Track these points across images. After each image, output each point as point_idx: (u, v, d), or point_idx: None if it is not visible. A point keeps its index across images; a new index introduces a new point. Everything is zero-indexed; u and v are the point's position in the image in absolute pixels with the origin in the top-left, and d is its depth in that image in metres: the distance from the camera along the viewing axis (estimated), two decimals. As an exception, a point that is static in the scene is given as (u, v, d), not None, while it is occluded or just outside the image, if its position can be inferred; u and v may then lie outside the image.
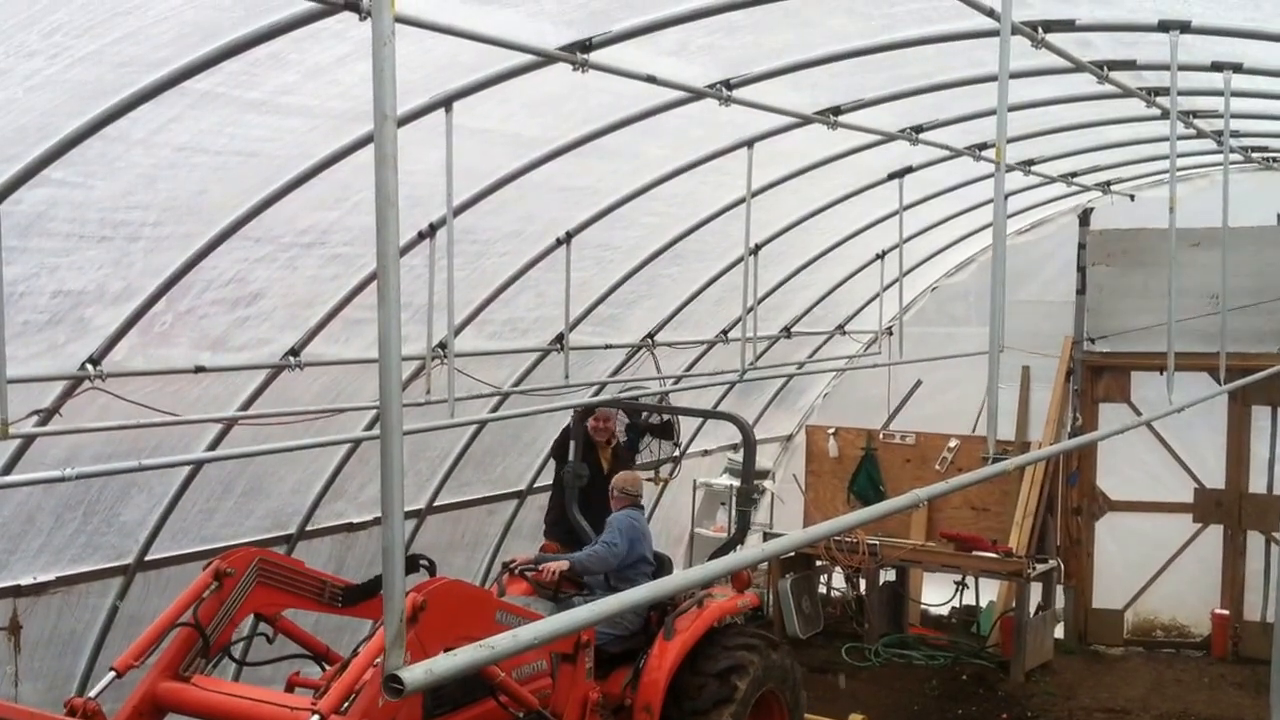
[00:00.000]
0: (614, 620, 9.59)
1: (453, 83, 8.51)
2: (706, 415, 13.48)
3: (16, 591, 9.86)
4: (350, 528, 12.58)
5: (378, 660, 7.09)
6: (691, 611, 9.91)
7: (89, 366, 8.94)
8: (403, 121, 8.21)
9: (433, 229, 10.02)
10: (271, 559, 8.24)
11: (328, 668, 8.23)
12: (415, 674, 3.31)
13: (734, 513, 11.14)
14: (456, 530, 14.13)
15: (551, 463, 12.98)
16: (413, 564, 8.82)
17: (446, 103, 8.49)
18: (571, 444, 11.71)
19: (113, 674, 7.37)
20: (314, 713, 6.83)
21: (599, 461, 12.13)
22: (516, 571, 10.17)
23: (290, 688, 8.28)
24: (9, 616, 9.86)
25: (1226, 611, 16.08)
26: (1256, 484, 16.09)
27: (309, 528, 12.11)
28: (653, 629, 9.84)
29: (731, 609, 10.30)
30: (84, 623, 10.50)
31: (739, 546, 10.42)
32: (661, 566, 10.35)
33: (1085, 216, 16.67)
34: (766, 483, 18.83)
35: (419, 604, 7.12)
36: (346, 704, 6.97)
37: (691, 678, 9.60)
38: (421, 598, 7.13)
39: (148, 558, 10.72)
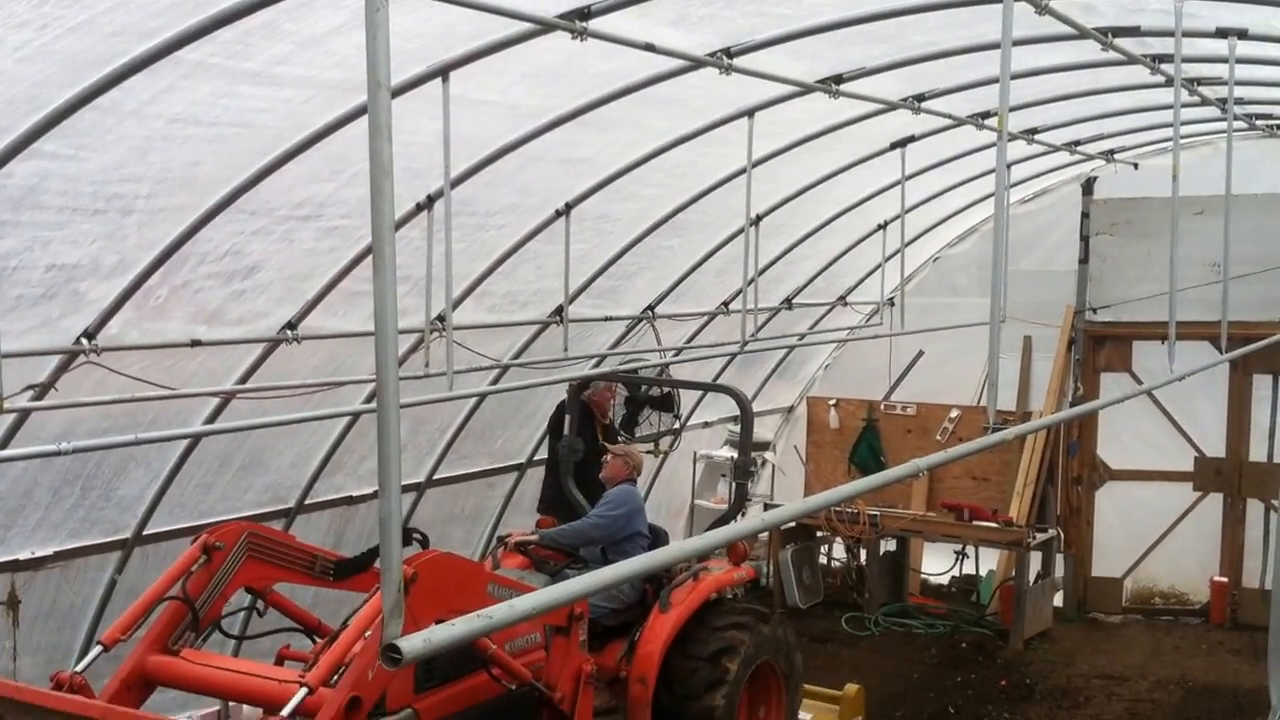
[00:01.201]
0: (609, 593, 9.59)
1: (450, 52, 8.44)
2: (704, 388, 13.44)
3: (14, 566, 9.83)
4: (349, 501, 12.56)
5: (367, 633, 7.06)
6: (687, 584, 9.86)
7: (84, 340, 8.88)
8: (399, 91, 8.16)
9: (430, 201, 9.96)
10: (261, 533, 8.21)
11: (319, 641, 8.19)
12: (413, 643, 3.29)
13: (732, 485, 11.08)
14: (456, 503, 14.10)
15: (549, 437, 12.95)
16: (406, 537, 8.77)
17: (443, 72, 8.43)
18: (567, 418, 11.68)
19: (100, 648, 7.37)
20: (303, 685, 6.79)
21: (594, 436, 12.10)
22: (511, 545, 10.14)
23: (280, 661, 8.25)
24: (7, 591, 9.83)
25: (1225, 579, 16.13)
26: (1257, 452, 16.11)
27: (308, 501, 12.07)
28: (648, 602, 9.79)
29: (728, 582, 10.24)
30: (82, 597, 10.47)
31: (737, 519, 10.38)
32: (657, 540, 10.30)
33: (1088, 185, 16.62)
34: (767, 454, 18.82)
35: (410, 576, 7.06)
36: (335, 676, 6.94)
37: (682, 661, 9.53)
38: (412, 570, 7.07)
39: (146, 532, 10.69)
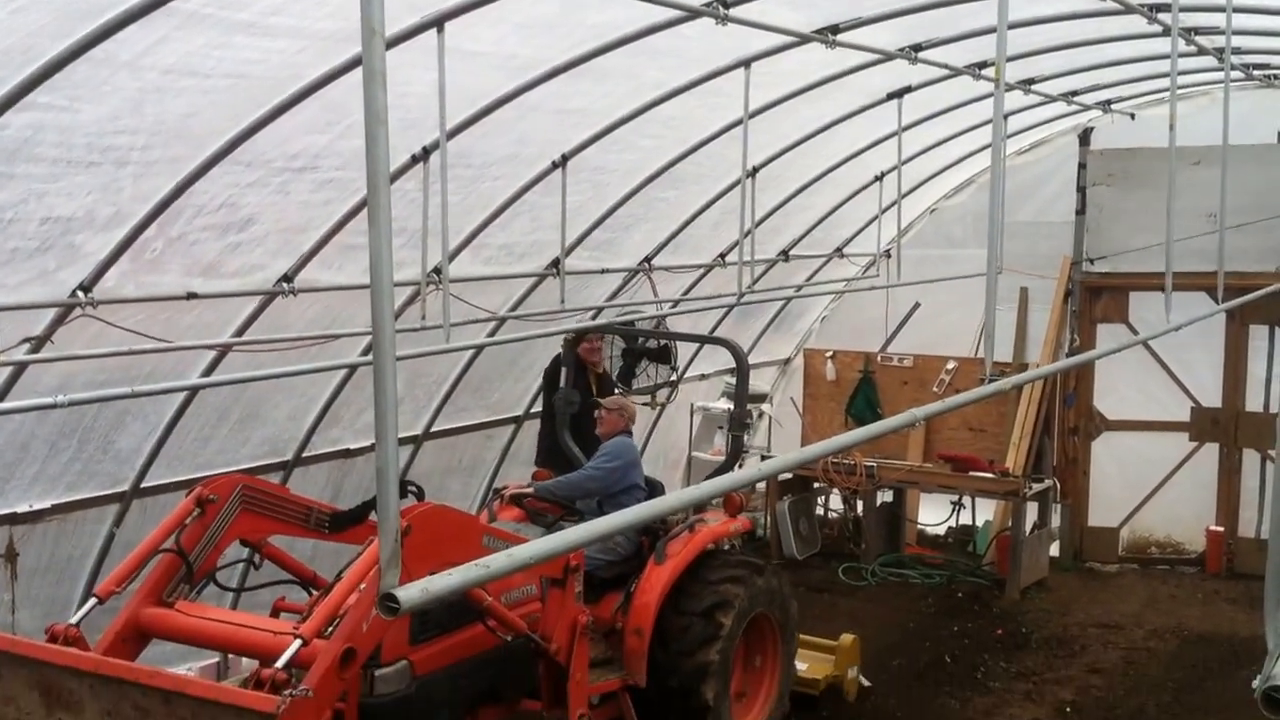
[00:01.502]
0: (606, 545, 9.62)
1: (445, 2, 8.41)
2: (700, 340, 13.44)
3: (12, 519, 9.85)
4: (347, 454, 12.57)
5: (362, 585, 7.08)
6: (683, 536, 9.86)
7: (80, 294, 8.88)
8: (394, 42, 8.13)
9: (426, 152, 9.93)
10: (255, 485, 8.21)
11: (315, 593, 8.21)
12: (411, 593, 3.29)
13: (729, 437, 11.08)
14: (454, 455, 14.13)
15: (545, 390, 12.95)
16: (401, 490, 8.77)
17: (438, 22, 8.39)
18: (563, 370, 11.68)
19: (94, 600, 7.37)
20: (297, 637, 6.80)
21: (589, 388, 12.12)
22: (507, 498, 10.15)
23: (276, 613, 8.26)
24: (5, 544, 9.85)
25: (1221, 528, 16.17)
26: (1253, 402, 16.11)
27: (305, 454, 12.09)
28: (644, 554, 9.81)
29: (723, 533, 10.26)
30: (80, 550, 10.50)
31: (733, 470, 10.39)
32: (653, 492, 10.30)
33: (1085, 136, 16.57)
34: (764, 406, 18.86)
35: (404, 528, 7.05)
36: (330, 628, 6.95)
37: (677, 617, 9.54)
38: (406, 522, 7.06)
39: (143, 485, 10.71)
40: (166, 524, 7.72)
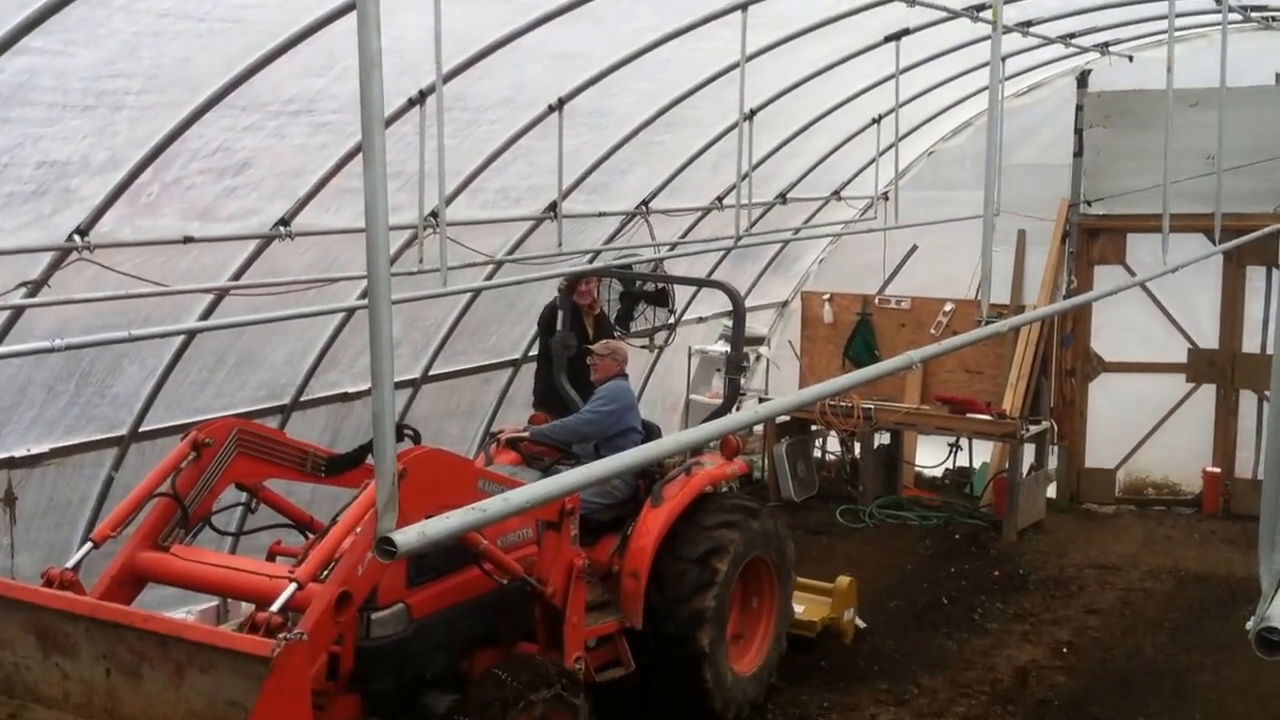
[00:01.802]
0: (602, 489, 9.63)
1: (439, -56, 8.36)
2: (697, 283, 13.42)
3: (10, 463, 9.86)
4: (345, 398, 12.58)
5: (358, 529, 7.10)
6: (679, 479, 9.88)
7: (76, 238, 8.86)
8: (389, -15, 8.07)
9: (423, 96, 9.90)
10: (251, 429, 8.23)
11: (311, 537, 8.24)
12: (408, 536, 3.28)
13: (725, 380, 11.10)
14: (452, 399, 14.15)
15: (540, 335, 12.96)
16: (397, 434, 8.78)
17: (433, -35, 8.34)
18: (559, 314, 11.68)
19: (90, 544, 7.42)
20: (292, 581, 6.82)
21: (584, 330, 12.13)
22: (504, 442, 10.17)
23: (271, 557, 8.28)
24: (4, 488, 9.86)
25: (1218, 469, 16.24)
26: (1250, 344, 16.14)
27: (303, 398, 12.11)
28: (641, 497, 9.83)
29: (720, 476, 10.27)
30: (79, 494, 10.53)
31: (730, 413, 10.41)
32: (650, 435, 10.32)
33: (1083, 78, 16.51)
34: (762, 349, 18.88)
35: (399, 472, 7.05)
36: (325, 572, 6.98)
37: (672, 564, 9.57)
38: (401, 466, 7.05)
39: (142, 429, 10.73)
40: (162, 468, 7.73)
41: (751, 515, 10.09)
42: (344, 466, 8.60)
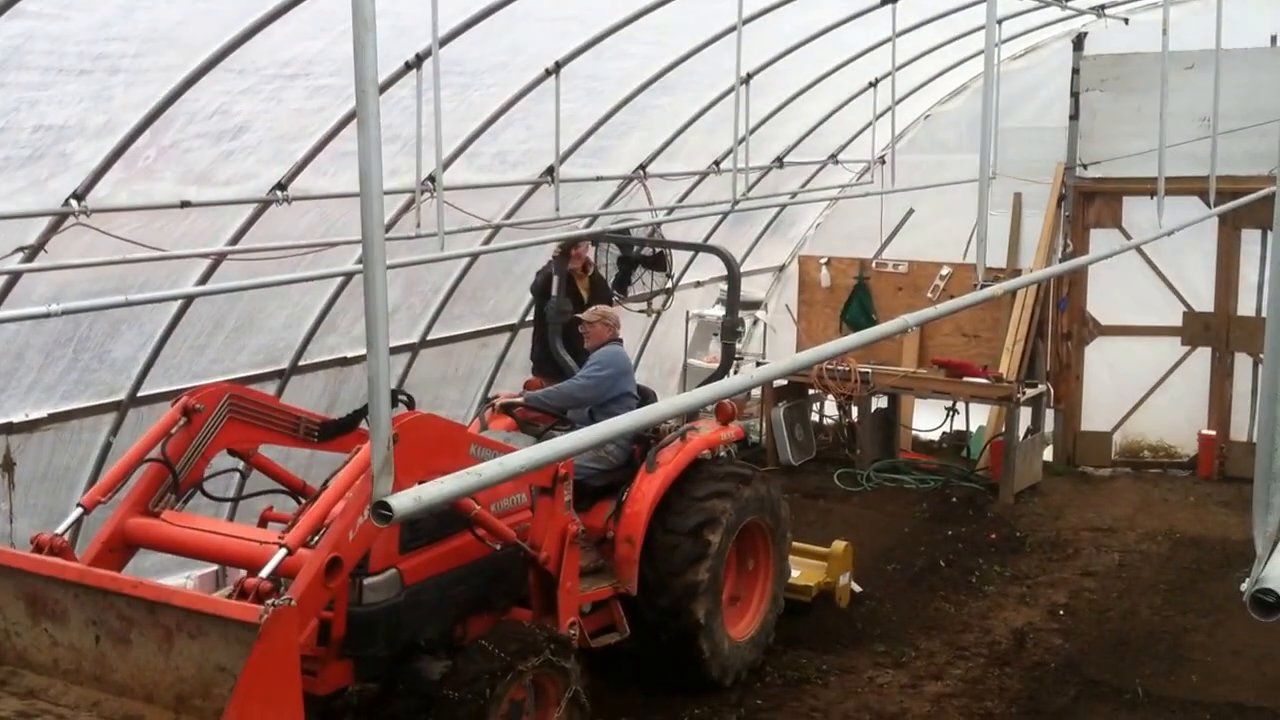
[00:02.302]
0: (597, 454, 9.63)
1: (435, -92, 8.34)
2: (691, 248, 13.36)
3: (9, 429, 9.88)
4: (343, 362, 12.59)
5: (349, 493, 7.10)
6: (674, 444, 9.87)
7: (73, 202, 8.85)
8: (384, -52, 8.06)
9: (419, 59, 9.88)
10: (243, 394, 8.21)
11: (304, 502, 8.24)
12: (404, 501, 3.28)
13: (721, 345, 11.09)
14: (449, 364, 14.16)
15: (535, 303, 12.96)
16: (391, 399, 8.79)
17: (428, -72, 8.32)
18: (554, 279, 11.68)
19: (80, 510, 7.40)
20: (281, 546, 6.83)
21: (579, 295, 12.13)
22: (498, 407, 10.17)
23: (264, 523, 8.30)
24: (2, 453, 9.88)
25: (1213, 432, 16.28)
26: (1245, 306, 16.15)
27: (302, 363, 12.11)
28: (636, 462, 9.82)
29: (715, 441, 10.26)
30: (77, 459, 10.54)
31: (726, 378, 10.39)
32: (645, 400, 10.31)
33: (1079, 41, 16.48)
34: (759, 313, 18.88)
35: (390, 437, 7.02)
36: (316, 537, 6.98)
37: (664, 536, 9.56)
38: (393, 431, 7.05)
39: (139, 394, 10.74)
40: (152, 433, 7.73)
41: (744, 482, 10.08)
42: (336, 431, 8.59)
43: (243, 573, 6.97)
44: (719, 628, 9.79)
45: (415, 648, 7.79)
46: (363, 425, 8.38)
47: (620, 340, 10.48)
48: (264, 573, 6.57)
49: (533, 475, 8.13)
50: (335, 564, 6.78)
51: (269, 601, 6.03)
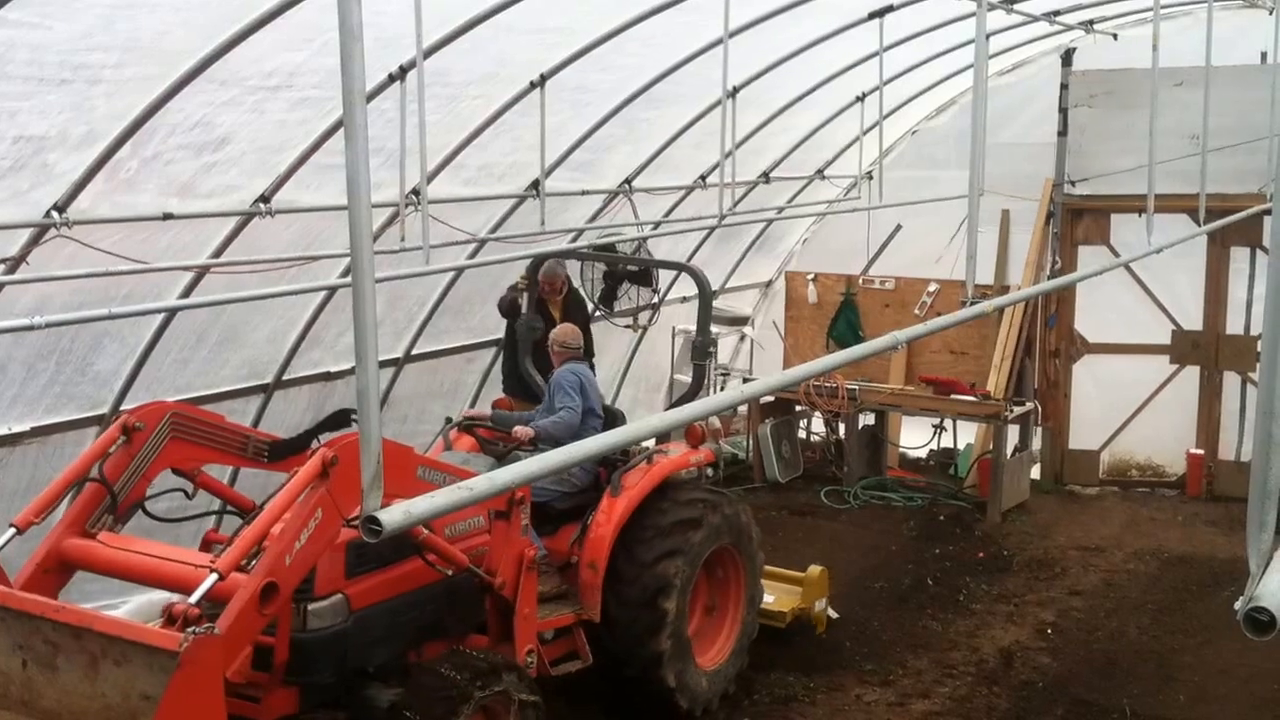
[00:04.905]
0: (561, 476, 9.40)
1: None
2: (662, 266, 13.17)
3: (-9, 442, 9.81)
4: (327, 377, 12.52)
5: (285, 516, 6.92)
6: (640, 467, 9.61)
7: (54, 214, 8.78)
8: (369, -42, 8.00)
9: (403, 71, 9.81)
10: (186, 412, 8.06)
11: None
12: (393, 515, 3.25)
13: (692, 366, 10.89)
14: (435, 378, 14.09)
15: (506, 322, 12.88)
16: (344, 418, 8.69)
17: (414, -61, 8.26)
18: (525, 296, 11.59)
19: (12, 530, 7.21)
20: (212, 571, 6.63)
21: (550, 314, 12.07)
22: (464, 427, 10.03)
23: (207, 545, 8.09)
24: (-17, 467, 9.81)
25: (1201, 451, 16.23)
26: (1234, 325, 16.12)
27: (286, 377, 12.04)
28: (602, 485, 9.59)
29: (683, 465, 9.96)
30: (60, 472, 10.40)
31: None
32: (612, 420, 10.17)
33: (1067, 57, 16.46)
34: (746, 329, 18.85)
35: (329, 459, 6.87)
36: (250, 561, 6.82)
37: (628, 567, 9.28)
38: (332, 453, 6.89)
39: (122, 408, 10.63)
40: (89, 452, 7.61)
41: (712, 509, 9.80)
42: (287, 451, 8.39)
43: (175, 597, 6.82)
44: (686, 657, 9.55)
45: (365, 675, 7.64)
46: (317, 443, 8.23)
47: (580, 358, 10.32)
48: (193, 598, 6.40)
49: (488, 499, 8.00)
50: (271, 589, 6.61)
51: (189, 630, 5.93)
